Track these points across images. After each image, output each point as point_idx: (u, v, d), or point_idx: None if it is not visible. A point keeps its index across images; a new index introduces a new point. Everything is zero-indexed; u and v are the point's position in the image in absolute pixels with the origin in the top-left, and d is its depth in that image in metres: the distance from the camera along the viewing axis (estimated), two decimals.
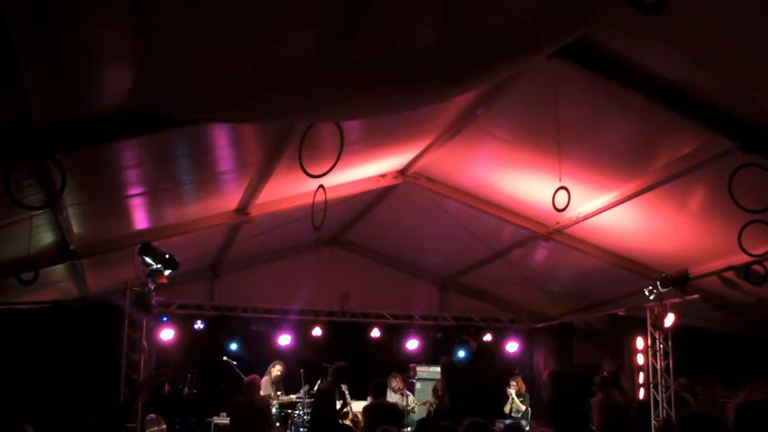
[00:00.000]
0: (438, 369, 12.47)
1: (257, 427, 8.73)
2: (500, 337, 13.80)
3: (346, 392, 11.26)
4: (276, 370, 11.23)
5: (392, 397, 11.62)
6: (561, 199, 6.68)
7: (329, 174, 6.23)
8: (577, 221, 9.53)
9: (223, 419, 11.00)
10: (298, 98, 5.02)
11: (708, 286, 10.11)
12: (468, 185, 9.81)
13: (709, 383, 11.43)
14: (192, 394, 11.05)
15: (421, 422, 7.36)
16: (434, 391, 10.42)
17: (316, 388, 10.74)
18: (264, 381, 11.01)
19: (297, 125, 6.42)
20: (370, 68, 4.68)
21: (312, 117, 5.96)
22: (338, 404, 9.79)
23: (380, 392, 9.20)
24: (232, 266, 12.74)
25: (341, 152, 6.03)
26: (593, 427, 9.11)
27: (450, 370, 9.91)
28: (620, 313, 11.83)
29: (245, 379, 9.32)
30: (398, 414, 9.27)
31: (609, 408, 8.83)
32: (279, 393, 11.17)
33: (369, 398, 9.65)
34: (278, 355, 11.99)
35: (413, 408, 11.55)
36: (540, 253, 11.30)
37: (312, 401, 9.72)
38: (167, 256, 8.79)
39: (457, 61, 4.81)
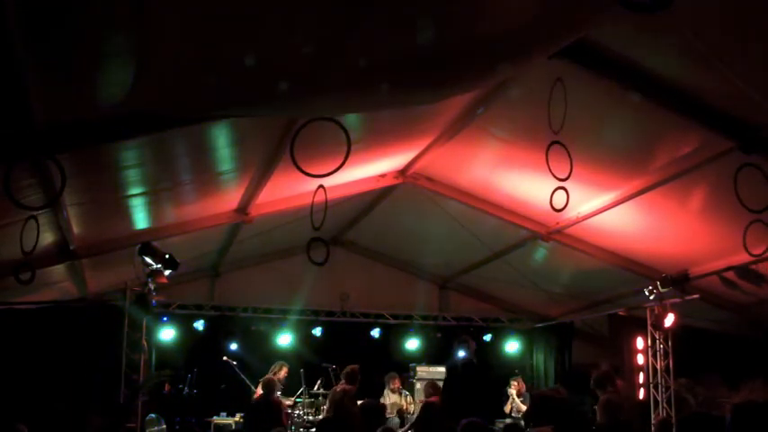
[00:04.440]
0: (438, 369, 12.55)
1: (272, 426, 8.77)
2: (500, 337, 13.79)
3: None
4: (284, 372, 11.25)
5: (391, 397, 11.62)
6: (560, 199, 6.67)
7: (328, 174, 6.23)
8: (577, 221, 9.53)
9: (224, 419, 11.00)
10: (298, 95, 5.02)
11: (708, 286, 10.11)
12: (468, 185, 9.80)
13: (710, 383, 11.44)
14: (192, 394, 11.04)
15: (364, 406, 7.40)
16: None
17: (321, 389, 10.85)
18: None
19: (296, 126, 6.42)
20: (370, 68, 4.68)
21: (310, 113, 5.97)
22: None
23: (352, 380, 9.37)
24: (232, 266, 12.74)
25: (348, 155, 6.03)
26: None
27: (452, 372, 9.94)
28: (620, 313, 11.83)
29: (264, 378, 9.37)
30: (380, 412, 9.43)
31: (606, 407, 8.79)
32: (279, 394, 11.17)
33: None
34: (278, 355, 11.99)
35: (411, 410, 11.53)
36: (540, 253, 11.30)
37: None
38: (167, 256, 8.79)
39: (457, 62, 4.81)
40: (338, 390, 9.54)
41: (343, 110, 6.06)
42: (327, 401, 9.95)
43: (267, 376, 9.72)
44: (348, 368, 9.75)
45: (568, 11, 4.55)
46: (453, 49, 4.68)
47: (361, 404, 9.47)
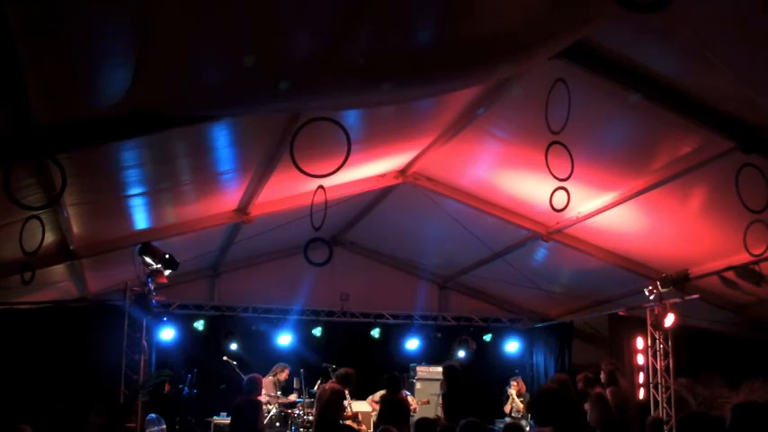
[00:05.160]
0: (438, 369, 12.54)
1: (253, 426, 8.74)
2: (500, 337, 13.80)
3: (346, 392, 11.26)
4: (285, 374, 11.24)
5: None
6: (561, 199, 6.67)
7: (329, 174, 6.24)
8: (577, 221, 9.54)
9: (223, 420, 11.00)
10: (298, 93, 5.03)
11: (708, 286, 10.10)
12: (468, 185, 9.81)
13: (710, 383, 11.43)
14: (192, 394, 11.04)
15: (420, 422, 7.32)
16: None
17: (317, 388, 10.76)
18: (269, 381, 11.01)
19: (296, 125, 6.42)
20: (370, 65, 4.68)
21: (310, 110, 5.98)
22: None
23: (394, 386, 9.33)
24: (232, 266, 12.74)
25: (348, 155, 6.04)
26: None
27: (452, 373, 9.89)
28: (620, 313, 11.83)
29: (246, 378, 9.32)
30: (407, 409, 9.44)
31: (597, 401, 8.76)
32: (279, 394, 11.18)
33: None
34: (278, 354, 11.99)
35: (414, 408, 11.53)
36: (540, 253, 11.30)
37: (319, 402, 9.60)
38: (167, 256, 8.80)
39: (457, 61, 4.81)
40: (327, 388, 9.39)
41: (344, 106, 6.07)
42: (316, 400, 9.82)
43: (253, 375, 9.65)
44: (343, 370, 9.65)
45: (569, 11, 4.56)
46: (453, 48, 4.68)
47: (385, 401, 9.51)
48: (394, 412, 9.17)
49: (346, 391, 9.64)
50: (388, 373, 9.76)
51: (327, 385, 9.56)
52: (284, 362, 11.54)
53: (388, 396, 9.50)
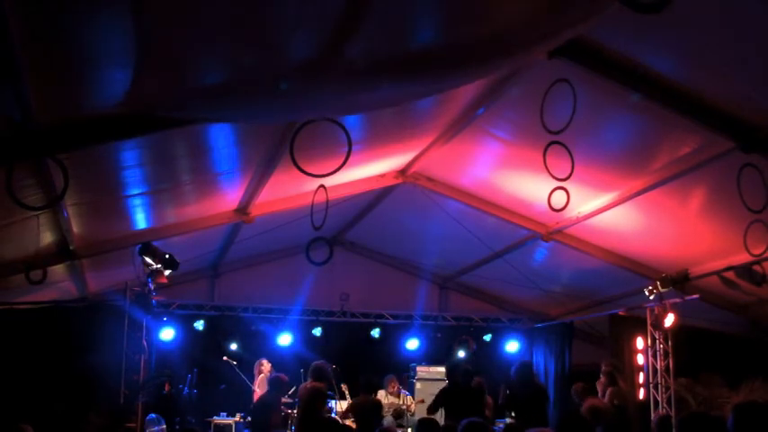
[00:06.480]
0: (438, 369, 12.55)
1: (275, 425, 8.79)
2: (500, 337, 13.80)
3: (346, 392, 11.27)
4: (268, 366, 11.18)
5: (389, 398, 11.57)
6: (560, 199, 6.67)
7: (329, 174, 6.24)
8: (577, 221, 9.54)
9: (224, 420, 11.00)
10: (297, 96, 5.02)
11: (708, 286, 10.11)
12: (468, 185, 9.81)
13: (710, 383, 11.43)
14: (192, 394, 11.04)
15: (421, 422, 7.32)
16: None
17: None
18: (262, 379, 11.00)
19: (296, 125, 6.42)
20: (370, 66, 4.68)
21: (311, 114, 5.98)
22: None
23: (320, 377, 9.23)
24: (232, 266, 12.74)
25: (348, 155, 6.04)
26: None
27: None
28: (620, 313, 11.83)
29: (271, 376, 9.34)
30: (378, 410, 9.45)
31: (590, 413, 8.74)
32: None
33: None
34: (279, 355, 11.97)
35: (413, 409, 11.53)
36: (540, 253, 11.30)
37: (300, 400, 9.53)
38: (167, 256, 8.80)
39: (456, 59, 4.81)
40: (308, 387, 9.30)
41: (343, 111, 6.07)
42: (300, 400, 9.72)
43: (278, 374, 9.64)
44: (314, 364, 9.59)
45: (566, 7, 4.55)
46: (453, 47, 4.68)
47: (354, 403, 9.43)
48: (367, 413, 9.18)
49: (344, 388, 9.63)
50: (364, 376, 9.81)
51: (308, 384, 9.49)
52: (285, 362, 11.53)
53: (361, 398, 9.48)
